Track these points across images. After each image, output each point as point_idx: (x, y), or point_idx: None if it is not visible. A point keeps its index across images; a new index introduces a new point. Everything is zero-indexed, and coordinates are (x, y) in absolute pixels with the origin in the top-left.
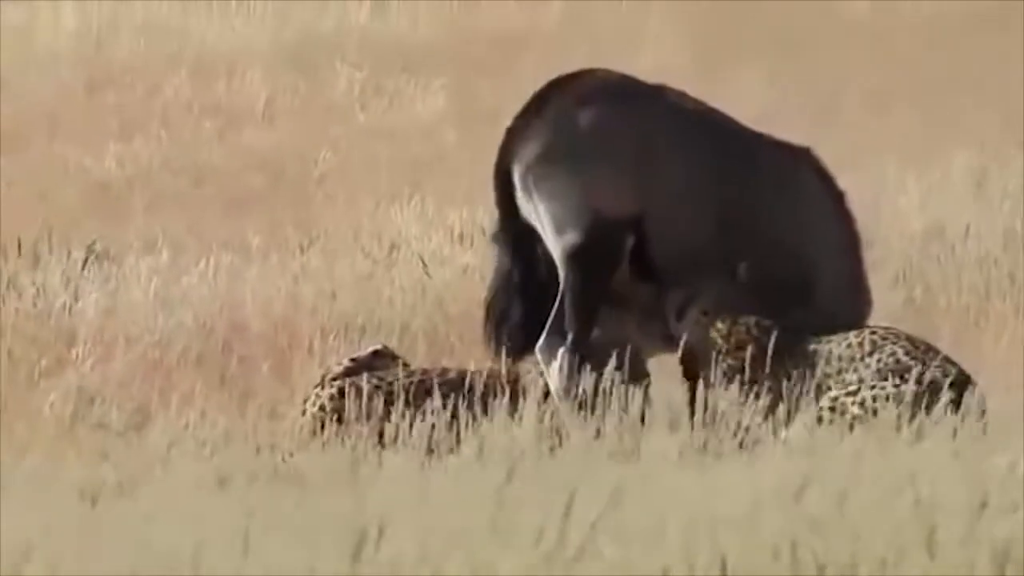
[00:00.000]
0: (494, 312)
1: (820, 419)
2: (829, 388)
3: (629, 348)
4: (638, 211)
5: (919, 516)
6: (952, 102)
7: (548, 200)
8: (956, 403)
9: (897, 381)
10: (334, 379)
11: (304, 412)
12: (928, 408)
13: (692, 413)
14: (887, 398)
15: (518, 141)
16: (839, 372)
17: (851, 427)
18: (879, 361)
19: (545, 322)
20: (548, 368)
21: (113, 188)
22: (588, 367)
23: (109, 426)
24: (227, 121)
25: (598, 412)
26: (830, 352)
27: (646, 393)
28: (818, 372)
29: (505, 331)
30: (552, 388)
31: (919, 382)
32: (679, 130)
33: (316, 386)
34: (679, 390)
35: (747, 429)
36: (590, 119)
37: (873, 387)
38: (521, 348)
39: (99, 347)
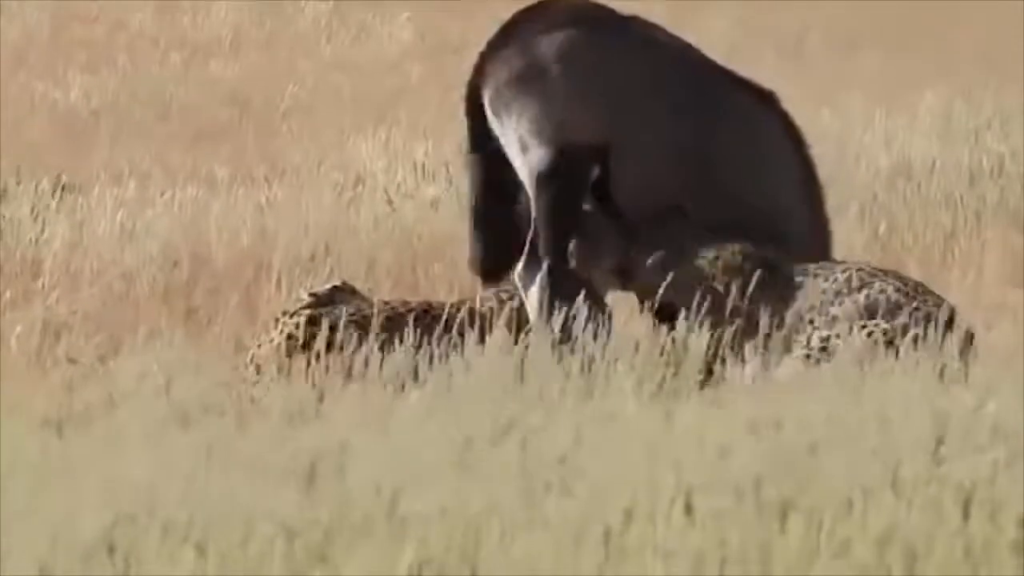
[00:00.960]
0: (475, 235)
1: (808, 356)
2: (811, 321)
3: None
4: (603, 139)
5: (885, 456)
6: (920, 44)
7: (516, 121)
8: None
9: (889, 319)
10: (294, 314)
11: (272, 340)
12: (916, 346)
13: (661, 351)
14: (884, 334)
15: (489, 65)
16: (822, 304)
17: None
18: (867, 296)
19: (520, 245)
20: (526, 294)
21: (80, 120)
22: (562, 299)
23: (75, 358)
24: (193, 53)
25: (567, 347)
26: (814, 285)
27: (610, 329)
28: (799, 304)
29: (481, 254)
30: (530, 314)
31: (916, 321)
32: (649, 61)
33: (279, 318)
34: (644, 327)
35: (718, 365)
36: (559, 44)
37: (864, 327)
38: (493, 270)
39: (65, 279)
